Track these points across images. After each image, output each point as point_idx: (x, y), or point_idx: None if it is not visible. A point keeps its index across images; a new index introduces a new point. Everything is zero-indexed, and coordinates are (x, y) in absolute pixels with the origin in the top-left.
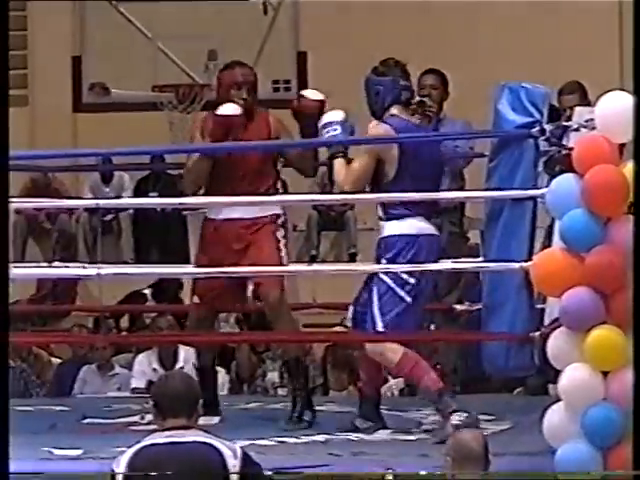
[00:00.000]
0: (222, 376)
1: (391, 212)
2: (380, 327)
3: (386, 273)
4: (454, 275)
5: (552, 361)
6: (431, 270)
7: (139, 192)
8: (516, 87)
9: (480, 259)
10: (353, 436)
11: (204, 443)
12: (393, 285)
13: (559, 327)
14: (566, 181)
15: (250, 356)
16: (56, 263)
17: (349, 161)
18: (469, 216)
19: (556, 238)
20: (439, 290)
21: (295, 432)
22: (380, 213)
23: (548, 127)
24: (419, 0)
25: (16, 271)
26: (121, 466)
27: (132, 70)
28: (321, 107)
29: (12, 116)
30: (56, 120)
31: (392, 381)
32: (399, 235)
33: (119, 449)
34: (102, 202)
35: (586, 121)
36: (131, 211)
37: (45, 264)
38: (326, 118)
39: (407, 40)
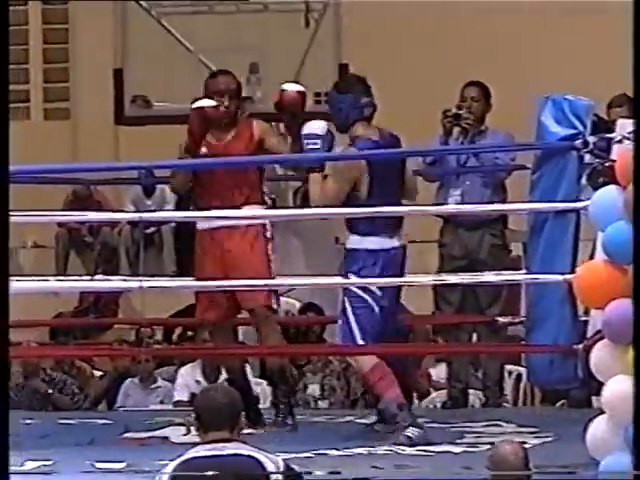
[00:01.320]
0: (264, 388)
1: (358, 227)
2: (359, 339)
3: (358, 286)
4: (496, 287)
5: (595, 373)
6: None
7: (181, 205)
8: (559, 99)
9: (523, 271)
10: (396, 448)
11: (246, 456)
12: (366, 297)
13: (602, 339)
14: (609, 193)
15: (291, 369)
16: (98, 276)
17: (325, 175)
18: (512, 228)
19: (599, 250)
20: (481, 302)
21: (336, 445)
22: (347, 226)
23: (591, 139)
24: (460, 11)
25: (58, 284)
26: (164, 479)
27: (174, 83)
28: (302, 99)
29: (54, 129)
30: (98, 133)
31: (434, 393)
32: (364, 250)
33: (162, 462)
34: (145, 215)
35: (629, 133)
36: (173, 224)
37: (87, 277)
38: (307, 129)
39: (450, 52)
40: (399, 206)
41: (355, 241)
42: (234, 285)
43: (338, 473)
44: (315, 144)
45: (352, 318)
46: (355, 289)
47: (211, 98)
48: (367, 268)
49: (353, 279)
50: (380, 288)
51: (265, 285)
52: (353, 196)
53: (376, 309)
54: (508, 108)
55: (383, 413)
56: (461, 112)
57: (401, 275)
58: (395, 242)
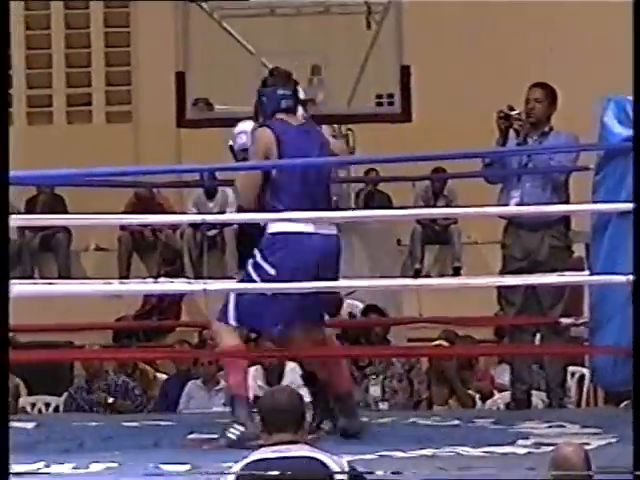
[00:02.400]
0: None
1: (272, 209)
2: (232, 318)
3: (253, 266)
4: (559, 289)
5: None
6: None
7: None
8: (622, 100)
9: (586, 272)
10: (461, 450)
11: (311, 458)
12: (253, 274)
13: None
14: None
15: (352, 371)
16: (161, 279)
17: None
18: (574, 229)
19: None
20: (544, 304)
21: (399, 446)
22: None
23: None
24: (525, 12)
25: (121, 287)
26: None
27: (236, 85)
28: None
29: (116, 132)
30: (160, 136)
31: (497, 395)
32: (275, 233)
33: (226, 464)
34: (208, 217)
35: None
36: (235, 226)
37: (150, 280)
38: (239, 127)
39: (514, 52)
40: (321, 191)
41: (270, 225)
42: (299, 287)
43: (399, 473)
44: (240, 138)
45: (232, 295)
46: (250, 268)
47: None
48: (271, 250)
49: (259, 260)
50: (274, 267)
51: (329, 287)
52: (267, 177)
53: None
54: (575, 109)
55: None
56: (512, 113)
57: (325, 262)
58: (309, 227)
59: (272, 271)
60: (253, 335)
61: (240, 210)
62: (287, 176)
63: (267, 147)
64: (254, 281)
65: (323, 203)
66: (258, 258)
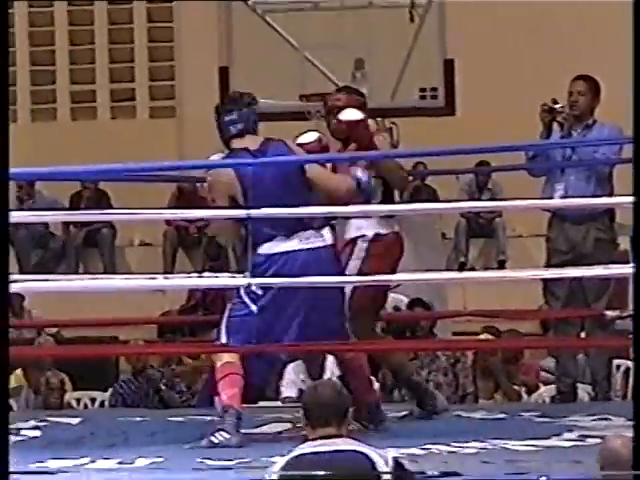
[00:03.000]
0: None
1: (256, 237)
2: (223, 336)
3: (245, 289)
4: (603, 281)
5: None
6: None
7: None
8: None
9: (630, 265)
10: (505, 443)
11: (356, 451)
12: (243, 295)
13: None
14: None
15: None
16: (206, 273)
17: None
18: (619, 222)
19: None
20: (588, 296)
21: (444, 440)
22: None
23: None
24: (568, 4)
25: (166, 282)
26: (273, 476)
27: (279, 80)
28: (354, 126)
29: (160, 127)
30: (204, 131)
31: (542, 388)
32: (260, 255)
33: (271, 458)
34: (253, 212)
35: None
36: None
37: (195, 274)
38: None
39: (557, 45)
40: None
41: (260, 247)
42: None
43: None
44: None
45: (225, 316)
46: (241, 290)
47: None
48: (260, 272)
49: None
50: (262, 288)
51: (374, 281)
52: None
53: (253, 308)
54: (618, 101)
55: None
56: (556, 106)
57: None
58: (294, 244)
59: (259, 291)
60: None
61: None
62: (257, 201)
63: (228, 187)
64: (245, 303)
65: (303, 221)
66: (249, 278)
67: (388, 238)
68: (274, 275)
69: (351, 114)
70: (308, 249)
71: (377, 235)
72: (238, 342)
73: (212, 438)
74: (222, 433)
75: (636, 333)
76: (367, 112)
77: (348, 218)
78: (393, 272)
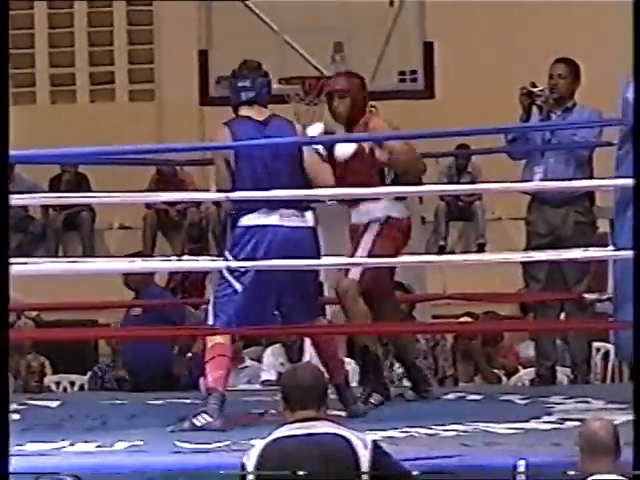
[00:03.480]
0: (351, 367)
1: (238, 207)
2: (211, 317)
3: (224, 260)
4: (583, 264)
5: None
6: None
7: None
8: None
9: (610, 248)
10: (485, 426)
11: (334, 434)
12: (226, 274)
13: None
14: None
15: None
16: (185, 257)
17: None
18: (599, 205)
19: None
20: (568, 279)
21: (424, 423)
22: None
23: None
24: None
25: (145, 264)
26: (252, 459)
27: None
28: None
29: (139, 110)
30: (183, 114)
31: (522, 371)
32: (240, 227)
33: (250, 441)
34: (232, 195)
35: None
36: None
37: (174, 257)
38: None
39: (538, 28)
40: (286, 182)
41: (235, 220)
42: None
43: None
44: None
45: (211, 297)
46: (224, 271)
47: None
48: (239, 245)
49: (231, 260)
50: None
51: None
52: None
53: (237, 287)
54: (598, 84)
55: None
56: (534, 90)
57: (291, 254)
58: (274, 219)
59: (241, 268)
60: None
61: None
62: (247, 171)
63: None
64: (229, 282)
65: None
66: (229, 257)
67: (400, 222)
68: (254, 247)
69: (342, 151)
70: (289, 227)
71: (389, 218)
72: (224, 323)
73: (194, 420)
74: (204, 416)
75: (636, 333)
76: (368, 95)
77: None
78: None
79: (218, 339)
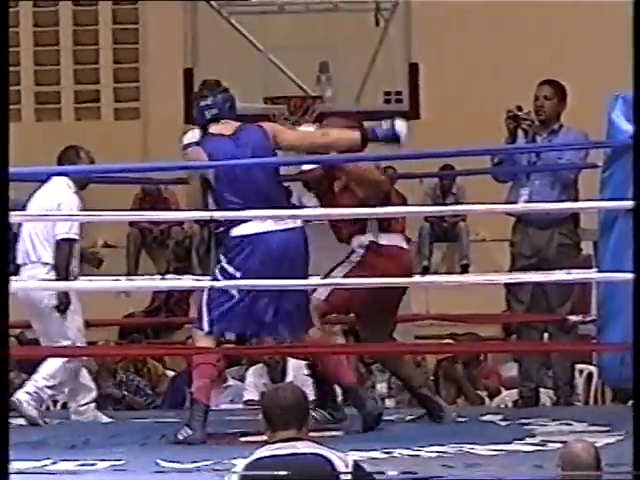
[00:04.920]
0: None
1: (227, 222)
2: (205, 324)
3: (220, 271)
4: (567, 286)
5: None
6: (264, 264)
7: None
8: (630, 97)
9: (593, 270)
10: (468, 447)
11: (315, 454)
12: (221, 278)
13: None
14: None
15: (358, 367)
16: (169, 275)
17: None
18: (583, 227)
19: None
20: (552, 301)
21: (406, 444)
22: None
23: None
24: (534, 10)
25: (129, 284)
26: (233, 479)
27: (244, 82)
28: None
29: (125, 128)
30: (168, 132)
31: (505, 392)
32: (234, 237)
33: (232, 461)
34: (216, 214)
35: None
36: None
37: (158, 276)
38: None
39: (523, 50)
40: (266, 192)
41: (233, 229)
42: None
43: (413, 473)
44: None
45: (204, 302)
46: (217, 273)
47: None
48: (234, 253)
49: (225, 265)
50: (238, 269)
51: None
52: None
53: (234, 292)
54: (584, 106)
55: None
56: (520, 113)
57: (289, 256)
58: (269, 225)
59: (237, 274)
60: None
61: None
62: (226, 186)
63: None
64: (224, 288)
65: (269, 201)
66: (224, 262)
67: (389, 250)
68: (251, 255)
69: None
70: (283, 230)
71: (373, 243)
72: (221, 330)
73: (178, 435)
74: (186, 429)
75: (636, 332)
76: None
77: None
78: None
79: (204, 344)
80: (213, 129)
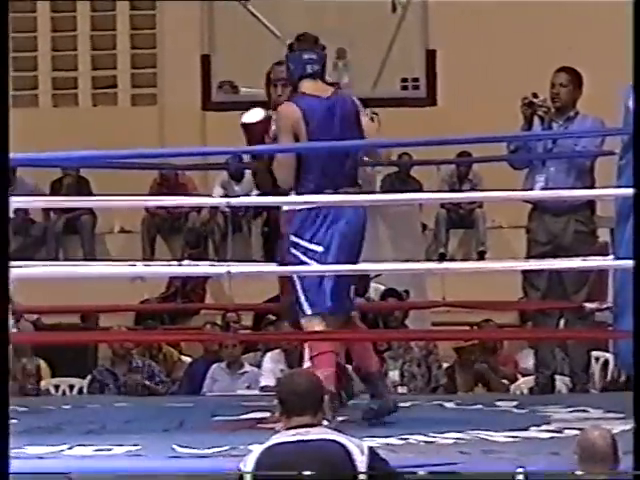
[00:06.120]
0: None
1: (301, 185)
2: (305, 306)
3: (295, 247)
4: (583, 273)
5: None
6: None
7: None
8: None
9: (610, 257)
10: (483, 434)
11: (331, 440)
12: (305, 259)
13: None
14: None
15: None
16: (185, 261)
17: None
18: (599, 215)
19: None
20: (568, 288)
21: (422, 430)
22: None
23: None
24: None
25: (146, 269)
26: (249, 465)
27: (261, 68)
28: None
29: (142, 114)
30: (185, 118)
31: (521, 379)
32: (300, 210)
33: (248, 447)
34: (233, 200)
35: None
36: (261, 210)
37: (175, 262)
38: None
39: (540, 37)
40: (351, 162)
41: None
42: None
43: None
44: None
45: (298, 285)
46: (296, 252)
47: (275, 85)
48: (311, 226)
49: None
50: (319, 243)
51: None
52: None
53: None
54: (601, 93)
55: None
56: (535, 100)
57: (360, 231)
58: (341, 198)
59: (319, 248)
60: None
61: (264, 193)
62: (313, 154)
63: (294, 124)
64: (307, 264)
65: (349, 178)
66: (301, 242)
67: None
68: (328, 228)
69: (250, 117)
70: (354, 205)
71: None
72: (322, 305)
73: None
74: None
75: (636, 332)
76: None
77: None
78: None
79: (315, 328)
80: (306, 87)
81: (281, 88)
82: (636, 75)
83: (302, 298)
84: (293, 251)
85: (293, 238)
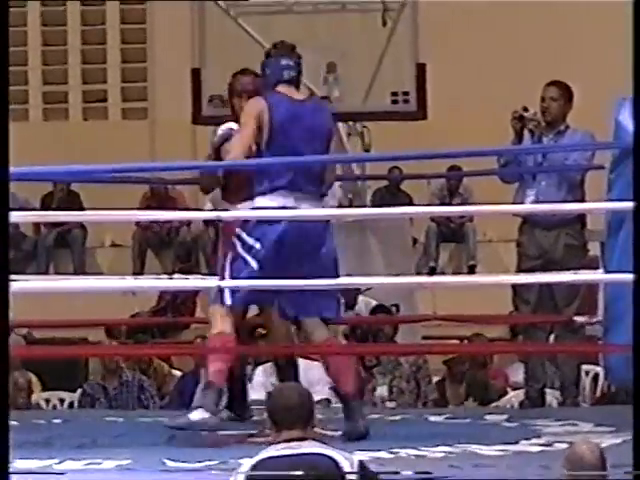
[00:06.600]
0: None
1: (256, 188)
2: (227, 294)
3: (238, 238)
4: (573, 287)
5: None
6: (280, 238)
7: None
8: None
9: (600, 271)
10: (473, 448)
11: (321, 454)
12: (241, 250)
13: None
14: None
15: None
16: (176, 275)
17: None
18: (590, 228)
19: None
20: (558, 302)
21: (412, 444)
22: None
23: None
24: (541, 10)
25: (136, 283)
26: (239, 479)
27: None
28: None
29: (132, 128)
30: (176, 132)
31: (511, 393)
32: (258, 207)
33: (239, 461)
34: (223, 214)
35: None
36: None
37: (165, 276)
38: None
39: (530, 51)
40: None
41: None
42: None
43: (428, 473)
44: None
45: (227, 276)
46: (238, 248)
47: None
48: (255, 223)
49: (245, 237)
50: (258, 240)
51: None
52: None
53: (253, 265)
54: (590, 107)
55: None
56: (526, 114)
57: (306, 236)
58: (289, 202)
59: (257, 245)
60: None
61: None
62: (276, 149)
63: (260, 113)
64: (245, 259)
65: (312, 180)
66: (243, 235)
67: None
68: (269, 227)
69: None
70: (305, 209)
71: None
72: (241, 300)
73: (190, 416)
74: (200, 411)
75: (636, 332)
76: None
77: None
78: None
79: (220, 327)
80: (283, 89)
81: (246, 99)
82: (636, 86)
83: (225, 285)
84: (236, 244)
85: (238, 230)
